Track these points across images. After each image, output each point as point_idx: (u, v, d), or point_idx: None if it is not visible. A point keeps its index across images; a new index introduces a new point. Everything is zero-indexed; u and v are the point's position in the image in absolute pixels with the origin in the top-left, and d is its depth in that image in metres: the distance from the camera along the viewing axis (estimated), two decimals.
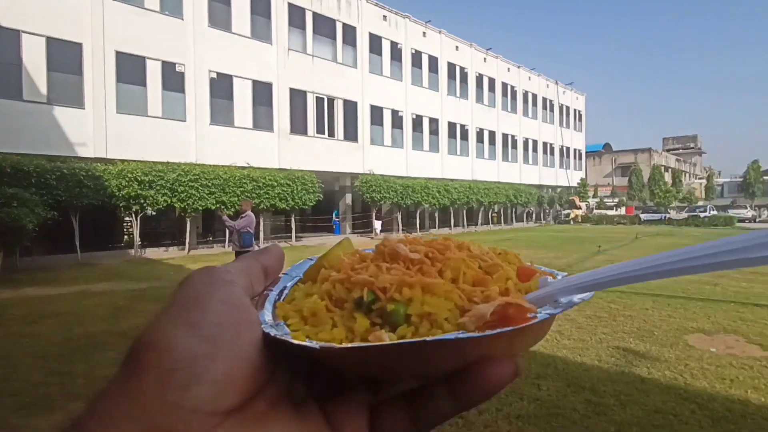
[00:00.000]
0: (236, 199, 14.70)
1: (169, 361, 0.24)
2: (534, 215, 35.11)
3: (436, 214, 24.92)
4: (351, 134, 21.49)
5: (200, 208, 14.52)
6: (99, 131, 14.03)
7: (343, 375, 0.32)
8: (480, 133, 29.50)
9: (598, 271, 0.31)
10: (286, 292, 0.39)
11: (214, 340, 0.25)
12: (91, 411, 0.23)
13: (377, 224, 21.69)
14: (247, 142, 17.45)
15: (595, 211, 37.87)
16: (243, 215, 7.40)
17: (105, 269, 11.06)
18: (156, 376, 0.23)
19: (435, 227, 25.18)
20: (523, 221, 33.80)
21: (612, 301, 6.69)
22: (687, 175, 52.85)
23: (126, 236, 17.41)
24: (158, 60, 15.24)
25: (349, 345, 0.28)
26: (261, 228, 16.22)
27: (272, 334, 0.28)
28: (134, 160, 13.69)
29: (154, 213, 17.75)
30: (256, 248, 8.39)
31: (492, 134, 30.49)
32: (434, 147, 26.11)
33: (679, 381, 3.79)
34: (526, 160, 34.17)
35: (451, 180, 25.57)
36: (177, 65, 15.67)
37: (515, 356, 0.29)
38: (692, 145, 63.21)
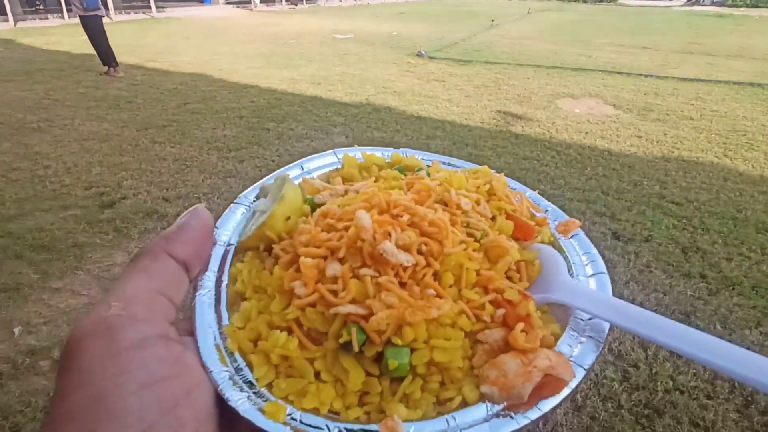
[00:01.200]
0: None
1: None
2: None
3: None
4: None
5: None
6: None
7: None
8: None
9: (621, 303, 0.29)
10: (225, 282, 0.30)
11: None
12: None
13: None
14: None
15: None
16: None
17: None
18: None
19: None
20: None
21: (498, 73, 6.96)
22: None
23: None
24: None
25: None
26: None
27: (240, 412, 0.23)
28: None
29: None
30: (106, 18, 6.82)
31: None
32: None
33: (546, 135, 4.31)
34: None
35: None
36: None
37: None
38: None
